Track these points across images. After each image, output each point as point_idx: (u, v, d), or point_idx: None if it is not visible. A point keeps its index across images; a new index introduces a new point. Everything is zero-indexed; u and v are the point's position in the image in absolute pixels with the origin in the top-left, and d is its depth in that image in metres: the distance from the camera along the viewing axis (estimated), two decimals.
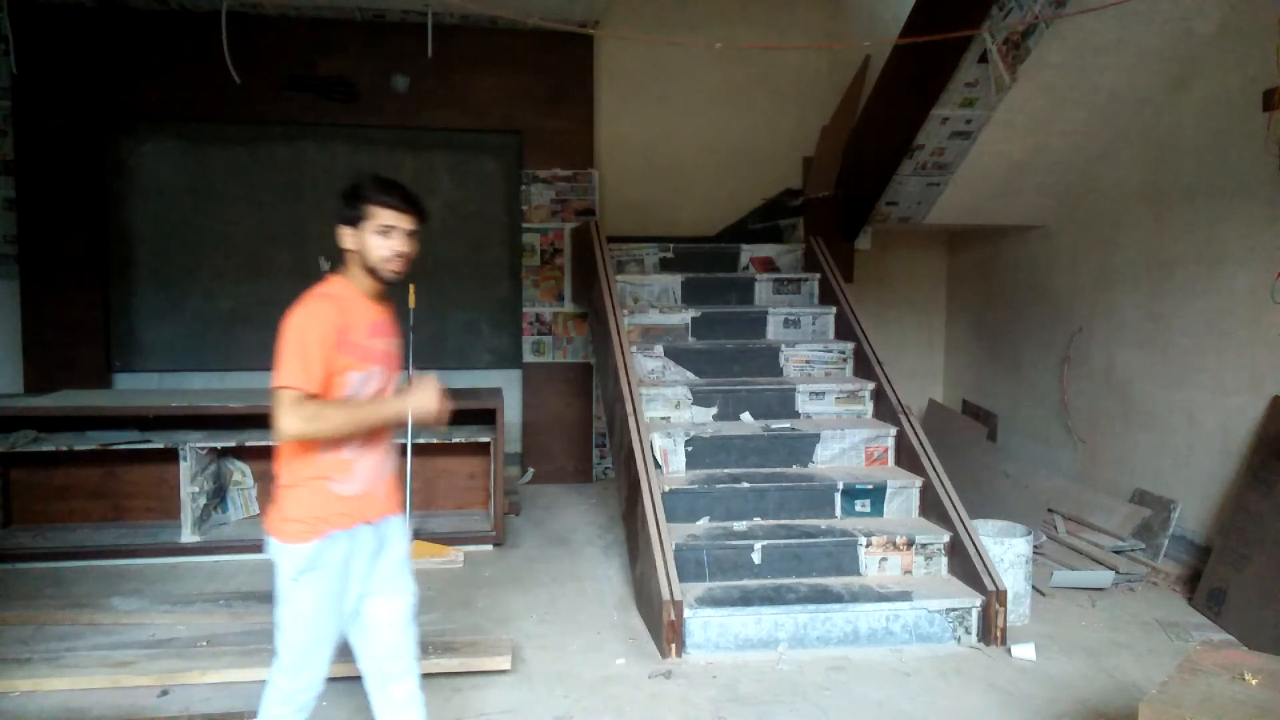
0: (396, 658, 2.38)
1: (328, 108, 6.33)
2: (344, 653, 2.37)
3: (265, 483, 5.16)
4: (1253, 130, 4.19)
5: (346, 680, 3.29)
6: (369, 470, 2.28)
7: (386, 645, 2.36)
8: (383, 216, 2.20)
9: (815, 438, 4.60)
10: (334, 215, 2.25)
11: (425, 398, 2.20)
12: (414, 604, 2.42)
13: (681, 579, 3.75)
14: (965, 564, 3.93)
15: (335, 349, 2.15)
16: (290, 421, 2.07)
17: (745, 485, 4.29)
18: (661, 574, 3.67)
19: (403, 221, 2.22)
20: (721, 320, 5.32)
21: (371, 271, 2.23)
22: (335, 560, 2.21)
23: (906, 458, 4.57)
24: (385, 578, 2.35)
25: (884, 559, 4.04)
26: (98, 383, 6.18)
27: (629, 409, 4.43)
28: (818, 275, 5.65)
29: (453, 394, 2.39)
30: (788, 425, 4.70)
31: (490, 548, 4.99)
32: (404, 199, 2.22)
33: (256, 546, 4.78)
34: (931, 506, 4.28)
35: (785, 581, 3.93)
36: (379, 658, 2.37)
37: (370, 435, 2.26)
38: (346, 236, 2.23)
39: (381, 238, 2.20)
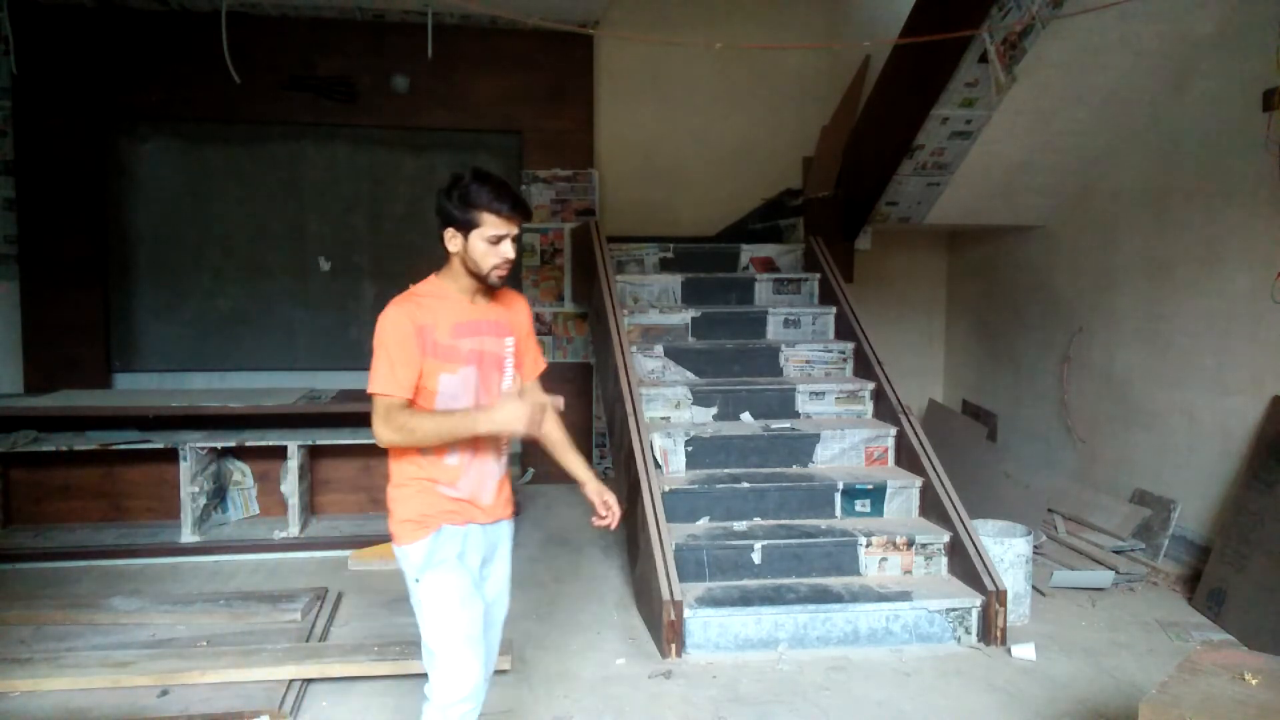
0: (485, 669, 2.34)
1: (328, 108, 6.33)
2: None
3: (265, 483, 5.16)
4: (1253, 130, 4.19)
5: (347, 680, 3.30)
6: (476, 476, 2.23)
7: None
8: (495, 225, 2.11)
9: (815, 438, 4.60)
10: (437, 212, 2.16)
11: (510, 415, 2.09)
12: (506, 615, 2.43)
13: (681, 579, 3.75)
14: (965, 564, 3.93)
15: (419, 350, 2.10)
16: (383, 432, 2.08)
17: (745, 485, 4.29)
18: (661, 574, 3.67)
19: (512, 229, 2.14)
20: (721, 320, 5.32)
21: (478, 277, 2.17)
22: (451, 554, 2.18)
23: (906, 458, 4.57)
24: (493, 584, 2.34)
25: (884, 559, 4.04)
26: (98, 383, 6.18)
27: (629, 409, 4.43)
28: (818, 275, 5.65)
29: None
30: (788, 425, 4.70)
31: None
32: (515, 207, 2.12)
33: (256, 546, 4.80)
34: (931, 506, 4.28)
35: (785, 581, 3.93)
36: None
37: (478, 442, 2.21)
38: (452, 239, 2.15)
39: (491, 246, 2.13)
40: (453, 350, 2.15)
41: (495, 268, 2.15)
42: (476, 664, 2.18)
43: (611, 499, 2.39)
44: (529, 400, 2.16)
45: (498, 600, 2.38)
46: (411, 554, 2.16)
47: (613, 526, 2.40)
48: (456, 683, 2.15)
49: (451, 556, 2.18)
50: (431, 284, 2.22)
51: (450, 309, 2.18)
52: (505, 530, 2.37)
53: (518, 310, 2.37)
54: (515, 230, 2.15)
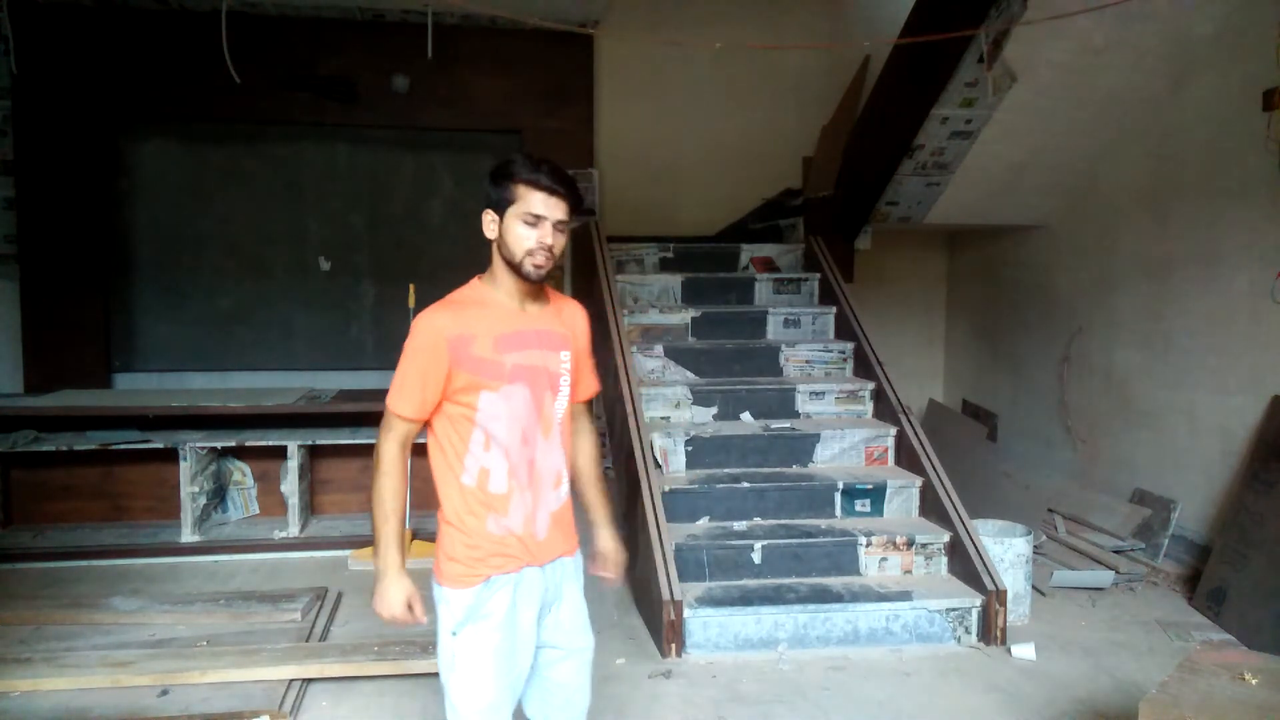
0: (568, 715, 2.09)
1: (328, 108, 6.33)
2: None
3: (265, 483, 5.16)
4: (1253, 130, 4.19)
5: (347, 680, 3.30)
6: (529, 505, 1.93)
7: (559, 704, 2.06)
8: (531, 202, 1.84)
9: (815, 437, 4.60)
10: (481, 199, 1.95)
11: (383, 598, 1.88)
12: (591, 657, 2.11)
13: (681, 579, 3.75)
14: (965, 564, 3.93)
15: (451, 365, 1.84)
16: (379, 447, 1.90)
17: (745, 485, 4.29)
18: (661, 574, 3.67)
19: (552, 209, 1.85)
20: (721, 320, 5.32)
21: (513, 267, 1.89)
22: (498, 610, 1.89)
23: (906, 458, 4.57)
24: (562, 629, 2.02)
25: (884, 559, 4.04)
26: (98, 383, 6.18)
27: (629, 409, 4.43)
28: (818, 275, 5.65)
29: None
30: (788, 425, 4.70)
31: None
32: (556, 179, 1.86)
33: (256, 546, 4.79)
34: (931, 506, 4.28)
35: (785, 581, 3.93)
36: (548, 714, 2.07)
37: (530, 465, 1.94)
38: (489, 224, 1.91)
39: (527, 227, 1.85)
40: (496, 366, 1.87)
41: (530, 253, 1.85)
42: None
43: (622, 560, 2.21)
44: (408, 592, 1.89)
45: (571, 641, 2.05)
46: (452, 602, 1.89)
47: (614, 584, 2.25)
48: None
49: (499, 612, 1.89)
50: (473, 289, 1.95)
51: (495, 318, 1.89)
52: (568, 568, 2.04)
53: (575, 320, 2.06)
54: (557, 213, 1.86)
